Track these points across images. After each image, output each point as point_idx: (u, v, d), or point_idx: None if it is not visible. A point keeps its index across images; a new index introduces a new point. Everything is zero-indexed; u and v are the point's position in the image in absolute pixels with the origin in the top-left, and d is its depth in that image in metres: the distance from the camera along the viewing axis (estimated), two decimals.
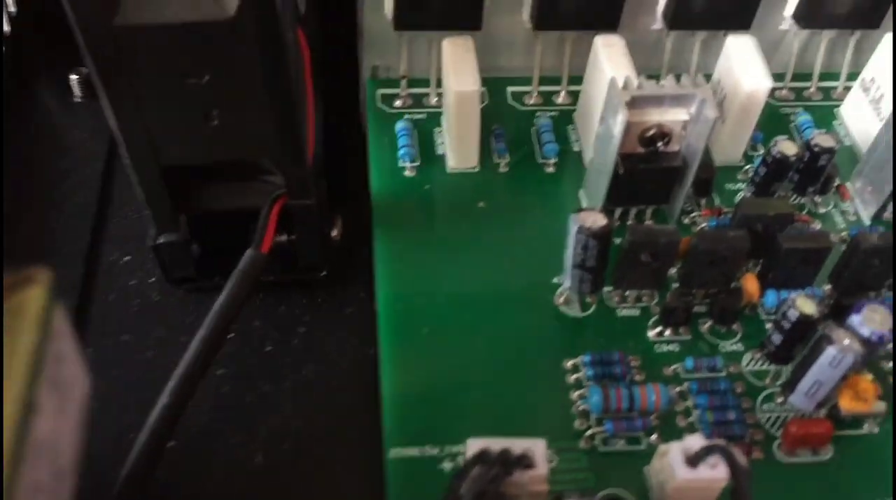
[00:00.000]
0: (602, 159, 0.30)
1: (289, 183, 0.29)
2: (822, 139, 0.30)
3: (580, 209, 0.27)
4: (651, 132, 0.29)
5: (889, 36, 0.34)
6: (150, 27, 0.23)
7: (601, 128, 0.29)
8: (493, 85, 0.36)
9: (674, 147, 0.29)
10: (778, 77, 0.37)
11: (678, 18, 0.34)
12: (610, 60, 0.32)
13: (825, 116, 0.36)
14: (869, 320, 0.25)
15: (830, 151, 0.30)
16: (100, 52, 0.23)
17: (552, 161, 0.34)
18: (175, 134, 0.26)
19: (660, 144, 0.29)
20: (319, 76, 0.36)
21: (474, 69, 0.31)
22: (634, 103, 0.28)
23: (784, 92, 0.37)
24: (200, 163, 0.27)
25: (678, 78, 0.29)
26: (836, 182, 0.33)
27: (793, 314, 0.26)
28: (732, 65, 0.32)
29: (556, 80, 0.36)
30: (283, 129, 0.26)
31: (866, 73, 0.35)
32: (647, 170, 0.29)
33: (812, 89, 0.37)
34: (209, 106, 0.25)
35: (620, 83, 0.28)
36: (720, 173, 0.33)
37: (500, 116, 0.35)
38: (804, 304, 0.26)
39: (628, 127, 0.28)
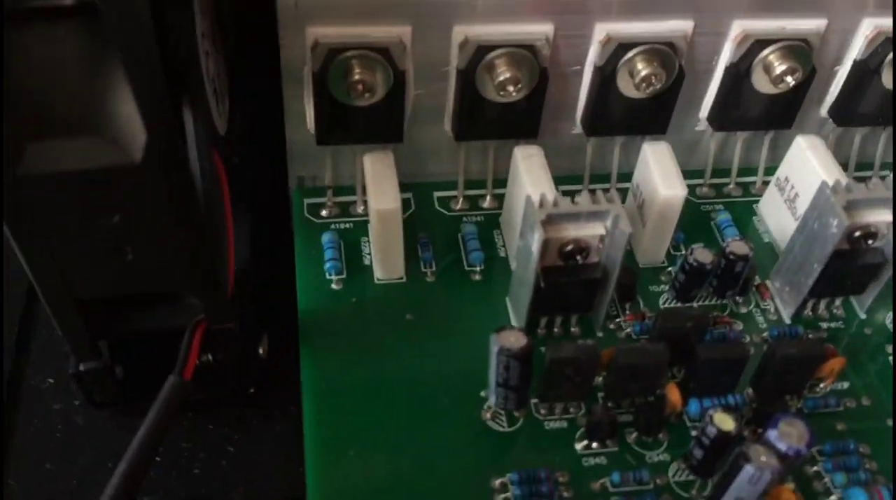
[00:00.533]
0: (524, 272, 0.30)
1: (207, 309, 0.28)
2: (736, 247, 0.31)
3: (500, 328, 0.27)
4: (569, 247, 0.29)
5: (799, 138, 0.35)
6: (55, 175, 0.23)
7: (521, 242, 0.30)
8: (420, 190, 0.37)
9: (593, 259, 0.30)
10: (698, 174, 0.38)
11: (595, 125, 0.35)
12: (528, 173, 0.32)
13: (745, 213, 0.37)
14: (785, 434, 0.25)
15: (745, 258, 0.31)
16: (5, 199, 0.23)
17: (478, 268, 0.34)
18: (88, 269, 0.26)
19: (578, 257, 0.29)
20: (249, 189, 0.36)
21: (394, 186, 0.32)
22: (550, 221, 0.29)
23: (704, 189, 0.38)
24: (116, 295, 0.27)
25: (593, 193, 0.29)
26: (757, 281, 0.34)
27: (711, 431, 0.26)
28: (649, 171, 0.33)
29: (482, 184, 0.37)
30: (198, 259, 0.26)
31: (780, 173, 0.36)
32: (568, 283, 0.30)
33: (731, 186, 0.38)
34: (122, 242, 0.25)
35: (536, 201, 0.29)
36: (644, 275, 0.34)
37: (427, 223, 0.36)
38: (722, 420, 0.26)
39: (546, 243, 0.29)
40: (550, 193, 0.31)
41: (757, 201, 0.37)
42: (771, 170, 0.37)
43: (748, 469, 0.25)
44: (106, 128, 0.22)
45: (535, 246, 0.28)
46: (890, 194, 0.30)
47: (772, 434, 0.25)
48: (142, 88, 0.21)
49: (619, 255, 0.29)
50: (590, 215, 0.29)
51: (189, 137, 0.26)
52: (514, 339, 0.27)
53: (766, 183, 0.38)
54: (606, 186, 0.37)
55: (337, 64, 0.31)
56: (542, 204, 0.29)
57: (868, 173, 0.38)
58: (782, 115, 0.35)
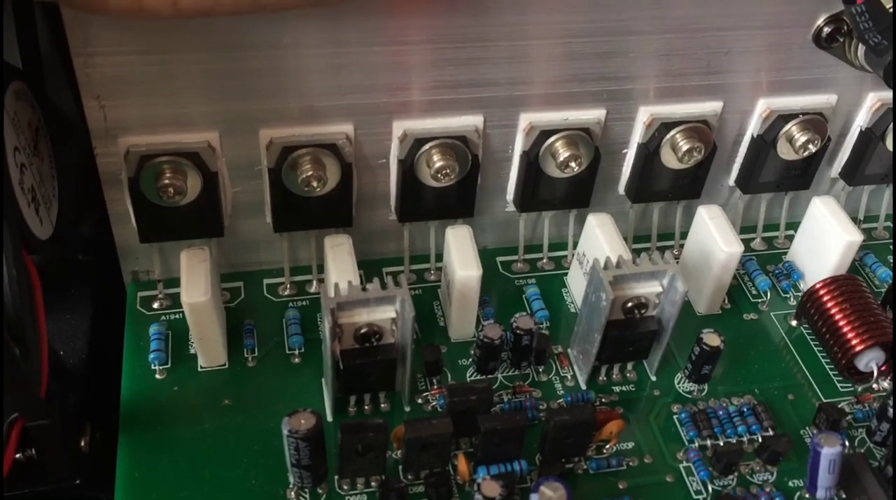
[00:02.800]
0: (326, 355, 0.32)
1: (21, 409, 0.30)
2: (522, 322, 0.34)
3: (293, 412, 0.29)
4: (363, 331, 0.32)
5: (591, 217, 0.38)
6: None
7: (320, 327, 0.32)
8: (250, 278, 0.39)
9: (388, 340, 0.32)
10: (514, 250, 0.41)
11: (410, 212, 0.38)
12: (334, 261, 0.35)
13: (556, 284, 0.40)
14: (546, 497, 0.27)
15: (530, 332, 0.34)
16: None
17: (298, 352, 0.36)
18: None
19: (373, 339, 0.32)
20: (85, 284, 0.38)
21: (205, 278, 0.34)
22: (342, 307, 0.31)
23: (519, 264, 0.41)
24: None
25: (383, 284, 0.32)
26: (558, 351, 0.37)
27: (478, 498, 0.28)
28: (450, 254, 0.36)
29: (309, 270, 0.39)
30: (6, 366, 0.28)
31: (580, 248, 0.39)
32: (366, 364, 0.32)
33: (544, 260, 0.41)
34: None
35: (331, 290, 0.31)
36: (456, 350, 0.37)
37: (255, 310, 0.38)
38: (489, 488, 0.28)
39: (341, 329, 0.31)
40: (354, 278, 0.33)
41: (566, 274, 0.40)
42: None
43: None
44: None
45: (327, 330, 0.31)
46: (656, 268, 0.33)
47: (533, 498, 0.28)
48: None
49: (409, 337, 0.32)
50: (380, 300, 0.32)
51: None
52: (303, 421, 0.29)
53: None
54: (425, 266, 0.40)
55: (148, 169, 0.33)
56: (336, 292, 0.31)
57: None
58: (580, 195, 0.39)
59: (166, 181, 0.33)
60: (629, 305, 0.33)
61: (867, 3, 0.32)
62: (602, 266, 0.33)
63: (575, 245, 0.40)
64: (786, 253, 0.42)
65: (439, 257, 0.39)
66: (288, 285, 0.39)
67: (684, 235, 0.40)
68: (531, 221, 0.41)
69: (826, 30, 0.35)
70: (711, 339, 0.34)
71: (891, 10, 0.32)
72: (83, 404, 0.34)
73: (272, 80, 0.33)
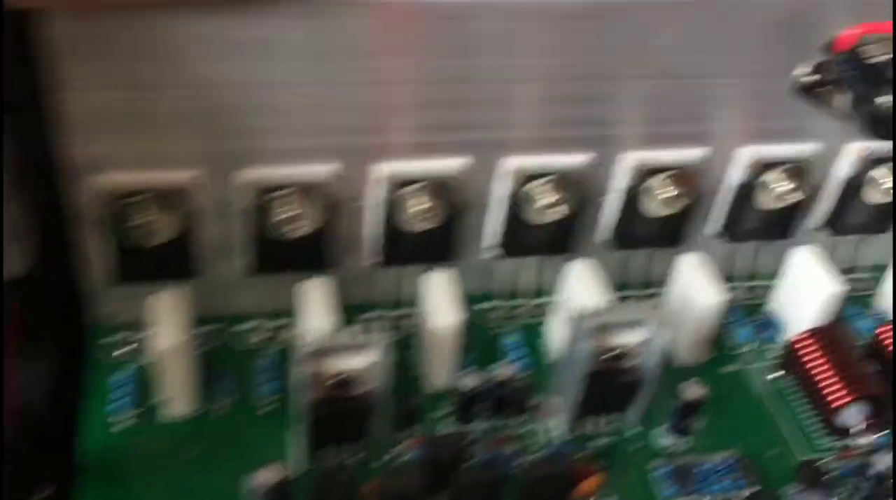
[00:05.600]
0: (297, 405, 0.31)
1: None
2: (502, 371, 0.33)
3: (259, 467, 0.28)
4: (337, 379, 0.31)
5: (572, 264, 0.37)
6: None
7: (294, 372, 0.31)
8: (220, 324, 0.38)
9: (362, 389, 0.31)
10: (493, 297, 0.40)
11: (390, 257, 0.37)
12: (308, 306, 0.34)
13: (537, 332, 0.39)
14: None
15: (509, 382, 0.33)
16: None
17: (268, 401, 0.35)
18: None
19: (346, 389, 0.31)
20: (53, 329, 0.37)
21: (179, 324, 0.33)
22: (316, 354, 0.30)
23: (499, 312, 0.40)
24: None
25: (358, 332, 0.31)
26: (537, 401, 0.36)
27: None
28: (428, 301, 0.35)
29: (284, 315, 0.38)
30: None
31: (560, 296, 0.38)
32: (337, 414, 0.31)
33: (524, 308, 0.40)
34: None
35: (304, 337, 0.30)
36: (437, 400, 0.36)
37: (225, 357, 0.37)
38: None
39: (314, 377, 0.30)
40: (328, 325, 0.32)
41: (547, 321, 0.40)
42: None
43: None
44: None
45: (299, 379, 0.30)
46: (638, 317, 0.32)
47: None
48: None
49: (385, 385, 0.31)
50: (355, 348, 0.31)
51: None
52: (270, 475, 0.28)
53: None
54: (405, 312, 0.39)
55: (123, 209, 0.32)
56: (309, 339, 0.30)
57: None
58: (564, 240, 0.38)
59: (140, 221, 0.32)
60: (610, 355, 0.32)
61: (850, 52, 0.32)
62: (582, 316, 0.32)
63: (556, 292, 0.40)
64: (767, 303, 0.41)
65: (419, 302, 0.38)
66: (262, 331, 0.38)
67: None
68: (512, 268, 0.40)
69: (806, 80, 0.35)
70: (693, 391, 0.33)
71: (876, 59, 0.32)
72: (38, 456, 0.33)
73: (252, 119, 0.32)
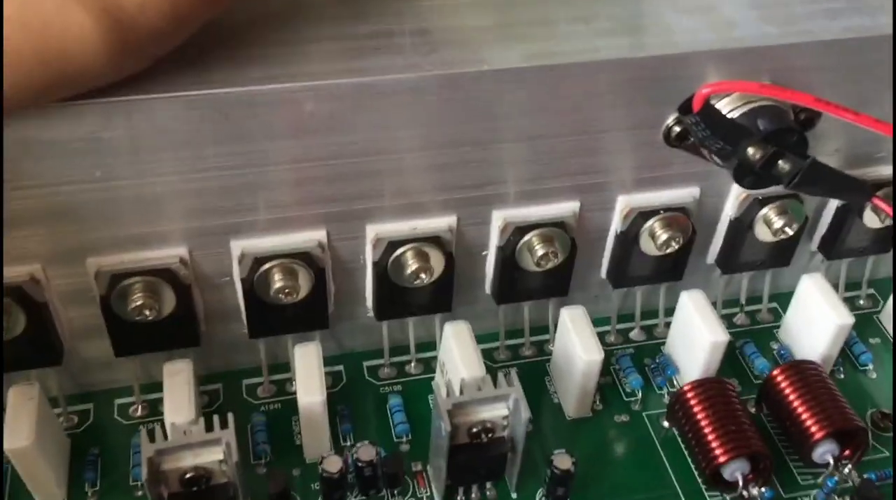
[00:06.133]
0: None
1: None
2: (363, 453, 0.32)
3: None
4: (188, 476, 0.30)
5: (448, 326, 0.36)
6: None
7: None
8: (95, 400, 0.37)
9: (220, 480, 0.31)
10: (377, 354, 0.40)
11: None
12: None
13: (424, 390, 0.39)
14: None
15: (370, 463, 0.32)
16: None
17: (139, 483, 0.34)
18: None
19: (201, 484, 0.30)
20: None
21: (34, 419, 0.32)
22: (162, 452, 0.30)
23: (386, 369, 0.39)
24: None
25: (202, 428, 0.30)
26: (417, 468, 0.35)
27: None
28: (298, 372, 0.34)
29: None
30: None
31: (440, 357, 0.37)
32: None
33: (411, 364, 0.40)
34: None
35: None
36: (314, 468, 0.35)
37: (98, 437, 0.36)
38: None
39: (163, 478, 0.30)
40: (183, 415, 0.32)
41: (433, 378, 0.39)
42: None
43: None
44: None
45: (146, 479, 0.29)
46: (499, 393, 0.31)
47: None
48: None
49: (242, 477, 0.30)
50: (204, 444, 0.30)
51: None
52: None
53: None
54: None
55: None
56: (150, 439, 0.29)
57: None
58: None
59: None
60: (474, 430, 0.32)
61: (701, 114, 0.31)
62: (443, 395, 0.31)
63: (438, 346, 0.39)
64: (662, 346, 0.41)
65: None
66: (139, 407, 0.37)
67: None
68: (395, 326, 0.39)
69: (675, 131, 0.34)
70: (562, 461, 0.32)
71: (728, 114, 0.31)
72: None
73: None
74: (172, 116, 0.29)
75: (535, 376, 0.39)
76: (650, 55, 0.32)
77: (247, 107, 0.30)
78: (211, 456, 0.30)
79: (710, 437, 0.34)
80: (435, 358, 0.39)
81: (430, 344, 0.40)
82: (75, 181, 0.30)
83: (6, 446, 0.31)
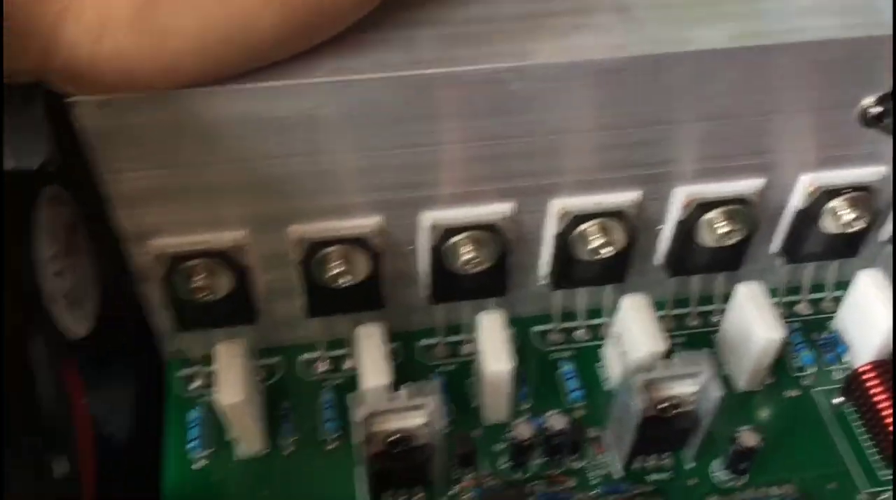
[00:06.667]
0: (358, 456, 0.33)
1: None
2: (554, 421, 0.34)
3: None
4: (394, 438, 0.32)
5: (625, 300, 0.37)
6: None
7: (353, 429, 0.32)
8: (284, 354, 0.39)
9: (415, 444, 0.32)
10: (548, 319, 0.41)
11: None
12: (365, 355, 0.35)
13: (592, 357, 0.40)
14: None
15: (563, 432, 0.33)
16: None
17: (332, 437, 0.36)
18: None
19: (403, 444, 0.32)
20: (129, 366, 0.39)
21: (241, 377, 0.34)
22: (373, 415, 0.31)
23: (554, 335, 0.40)
24: None
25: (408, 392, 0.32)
26: (593, 434, 0.36)
27: None
28: (482, 343, 0.36)
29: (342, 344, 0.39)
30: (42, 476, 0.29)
31: (614, 328, 0.38)
32: (396, 467, 0.32)
33: (580, 331, 0.40)
34: None
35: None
36: (493, 432, 0.36)
37: (287, 390, 0.38)
38: None
39: (371, 437, 0.31)
40: (384, 377, 0.34)
41: (602, 346, 0.40)
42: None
43: None
44: None
45: (359, 438, 0.31)
46: (691, 370, 0.32)
47: None
48: None
49: (441, 439, 0.32)
50: (410, 408, 0.32)
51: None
52: None
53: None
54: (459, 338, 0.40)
55: (181, 272, 0.33)
56: (363, 403, 0.31)
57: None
58: (617, 270, 0.38)
59: (200, 283, 0.33)
60: (662, 406, 0.33)
61: None
62: (632, 373, 0.32)
63: (611, 313, 0.40)
64: (832, 318, 0.41)
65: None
66: (323, 363, 0.39)
67: (725, 299, 0.40)
68: (567, 293, 0.40)
69: (872, 111, 0.33)
70: (748, 438, 0.33)
71: None
72: (122, 491, 0.35)
73: (304, 183, 0.33)
74: (384, 95, 0.30)
75: (699, 347, 0.40)
76: (862, 36, 0.31)
77: (454, 86, 0.31)
78: (416, 420, 0.32)
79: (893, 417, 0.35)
80: (600, 325, 0.40)
81: (595, 311, 0.41)
82: (286, 155, 0.32)
83: (222, 401, 0.33)
